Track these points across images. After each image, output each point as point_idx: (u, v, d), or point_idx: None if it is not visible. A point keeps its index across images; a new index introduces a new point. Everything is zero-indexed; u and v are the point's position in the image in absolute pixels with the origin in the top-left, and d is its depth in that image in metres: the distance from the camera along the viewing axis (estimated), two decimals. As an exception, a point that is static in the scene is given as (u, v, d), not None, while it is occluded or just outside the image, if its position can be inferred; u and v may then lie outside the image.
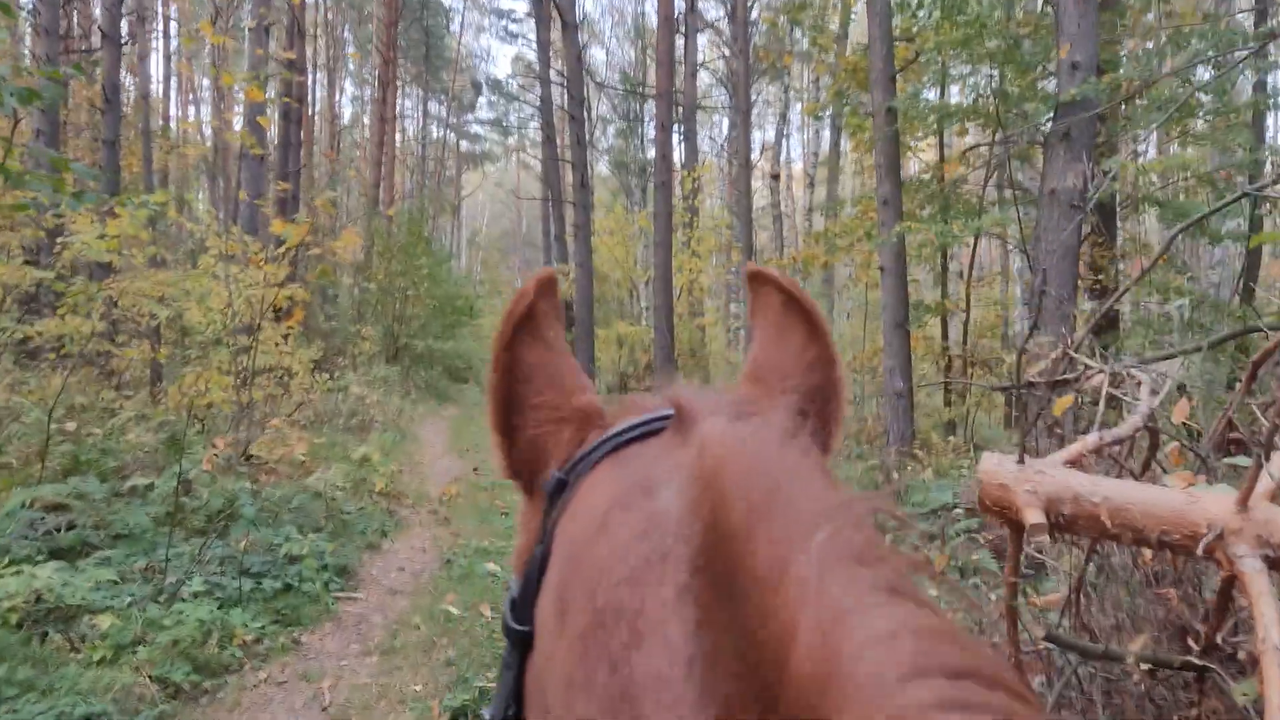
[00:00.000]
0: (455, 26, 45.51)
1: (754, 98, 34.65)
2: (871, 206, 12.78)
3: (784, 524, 0.46)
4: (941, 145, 13.33)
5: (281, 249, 7.63)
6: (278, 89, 17.90)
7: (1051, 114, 10.34)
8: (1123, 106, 10.73)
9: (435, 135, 47.60)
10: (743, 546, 0.46)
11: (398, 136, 42.89)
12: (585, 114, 20.12)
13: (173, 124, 28.88)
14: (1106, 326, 12.10)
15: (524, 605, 0.65)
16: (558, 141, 24.82)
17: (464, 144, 51.11)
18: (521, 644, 0.65)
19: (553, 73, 25.04)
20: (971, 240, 12.22)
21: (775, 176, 24.10)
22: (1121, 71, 10.14)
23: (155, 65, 34.56)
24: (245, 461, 7.93)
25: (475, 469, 10.93)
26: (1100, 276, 11.79)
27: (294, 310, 7.83)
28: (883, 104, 11.05)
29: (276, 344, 12.62)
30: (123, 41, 16.64)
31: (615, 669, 0.49)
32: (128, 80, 21.29)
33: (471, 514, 7.90)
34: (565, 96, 19.59)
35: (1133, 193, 10.33)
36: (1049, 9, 11.05)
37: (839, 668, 0.38)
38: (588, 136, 20.74)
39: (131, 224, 8.43)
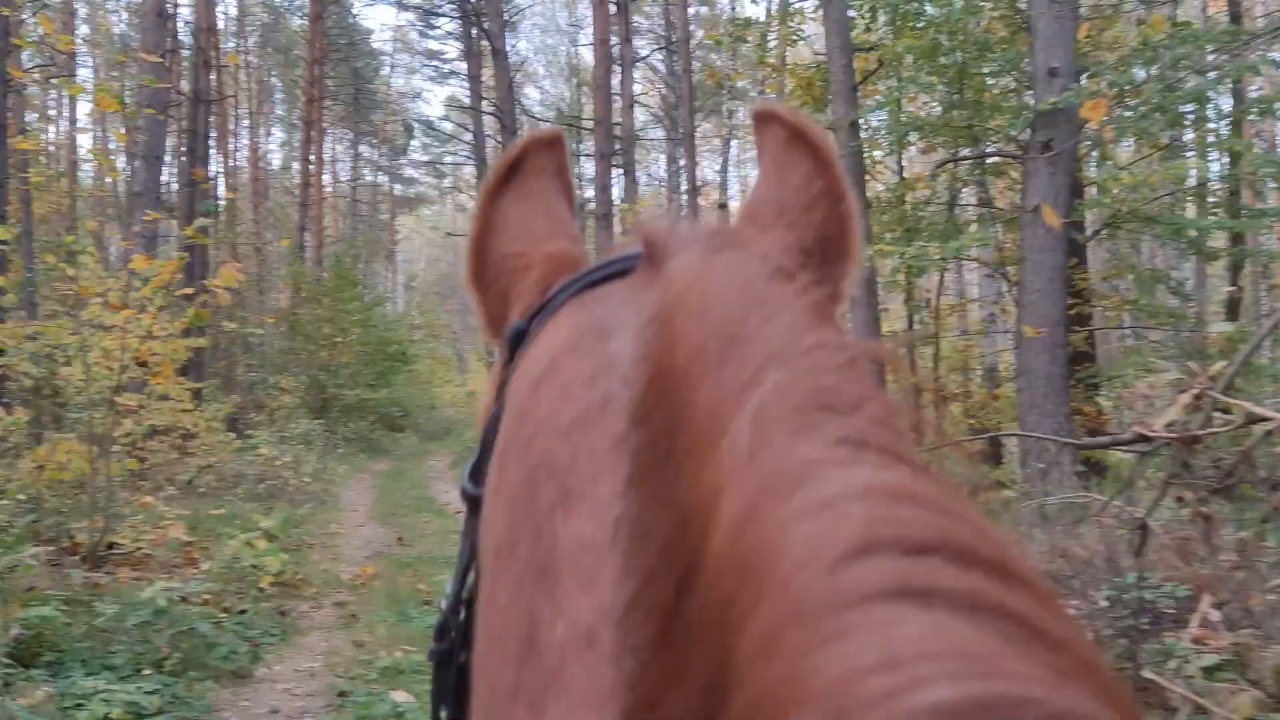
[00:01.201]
0: (385, 69, 44.32)
1: (694, 128, 34.04)
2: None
3: (737, 365, 0.37)
4: (900, 163, 12.42)
5: (144, 288, 6.18)
6: (181, 124, 16.44)
7: (1029, 126, 9.45)
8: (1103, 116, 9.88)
9: (368, 179, 46.29)
10: (686, 393, 0.38)
11: (328, 180, 41.42)
12: (519, 145, 18.97)
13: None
14: (1079, 359, 11.21)
15: (478, 467, 0.60)
16: (492, 177, 23.63)
17: (398, 187, 49.99)
18: (475, 508, 0.59)
19: (486, 107, 23.95)
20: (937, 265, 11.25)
21: (723, 206, 23.17)
22: (1101, 78, 9.29)
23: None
24: (107, 551, 6.44)
25: (399, 539, 9.47)
26: (1077, 301, 10.91)
27: (162, 365, 6.35)
28: (845, 118, 10.06)
29: (171, 401, 11.15)
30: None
31: (540, 533, 0.45)
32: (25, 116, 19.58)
33: (387, 606, 6.45)
34: (498, 127, 18.45)
35: (1118, 208, 9.46)
36: (1017, 8, 10.23)
37: (761, 548, 0.29)
38: (523, 170, 19.58)
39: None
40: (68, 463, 7.22)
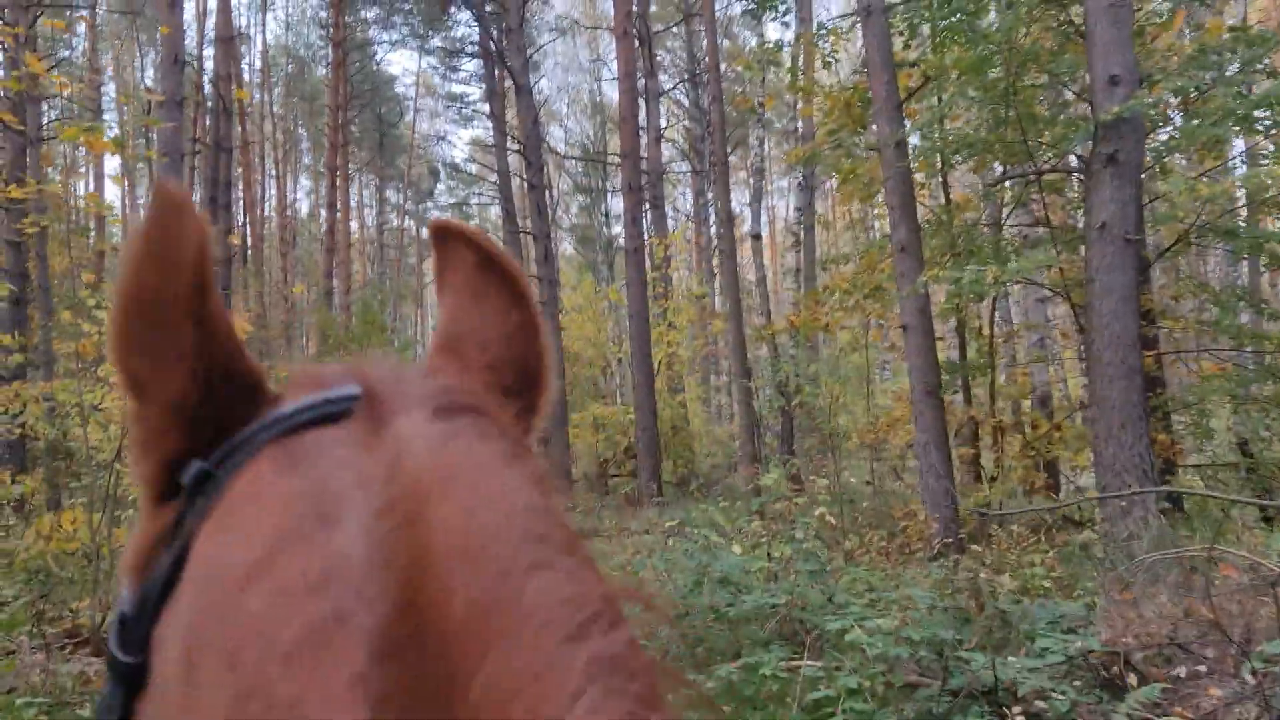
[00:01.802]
0: (409, 114, 44.60)
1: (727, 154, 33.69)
2: (880, 257, 11.15)
3: (494, 595, 0.37)
4: (946, 184, 11.78)
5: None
6: (202, 172, 16.21)
7: (1090, 137, 8.81)
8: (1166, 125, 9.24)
9: (394, 224, 46.54)
10: (439, 623, 0.36)
11: (355, 226, 41.56)
12: (544, 182, 18.56)
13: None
14: (1150, 385, 10.44)
15: (138, 628, 0.47)
16: (518, 215, 23.36)
17: (424, 231, 49.99)
18: (128, 681, 0.47)
19: (510, 145, 23.70)
20: (994, 289, 10.55)
21: (756, 237, 22.63)
22: (1168, 84, 8.64)
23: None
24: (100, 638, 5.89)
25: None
26: (1143, 323, 10.18)
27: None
28: (891, 136, 9.49)
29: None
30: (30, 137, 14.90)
31: None
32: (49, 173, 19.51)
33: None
34: (523, 164, 18.08)
35: (1194, 222, 8.76)
36: (1069, 20, 9.63)
37: None
38: (550, 209, 19.15)
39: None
40: (74, 532, 6.74)
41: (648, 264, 17.91)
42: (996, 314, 12.83)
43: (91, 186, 34.32)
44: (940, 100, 10.63)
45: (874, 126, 10.54)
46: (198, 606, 0.44)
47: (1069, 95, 10.55)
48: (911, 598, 5.08)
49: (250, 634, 0.39)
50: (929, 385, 9.31)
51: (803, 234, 17.96)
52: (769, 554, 6.54)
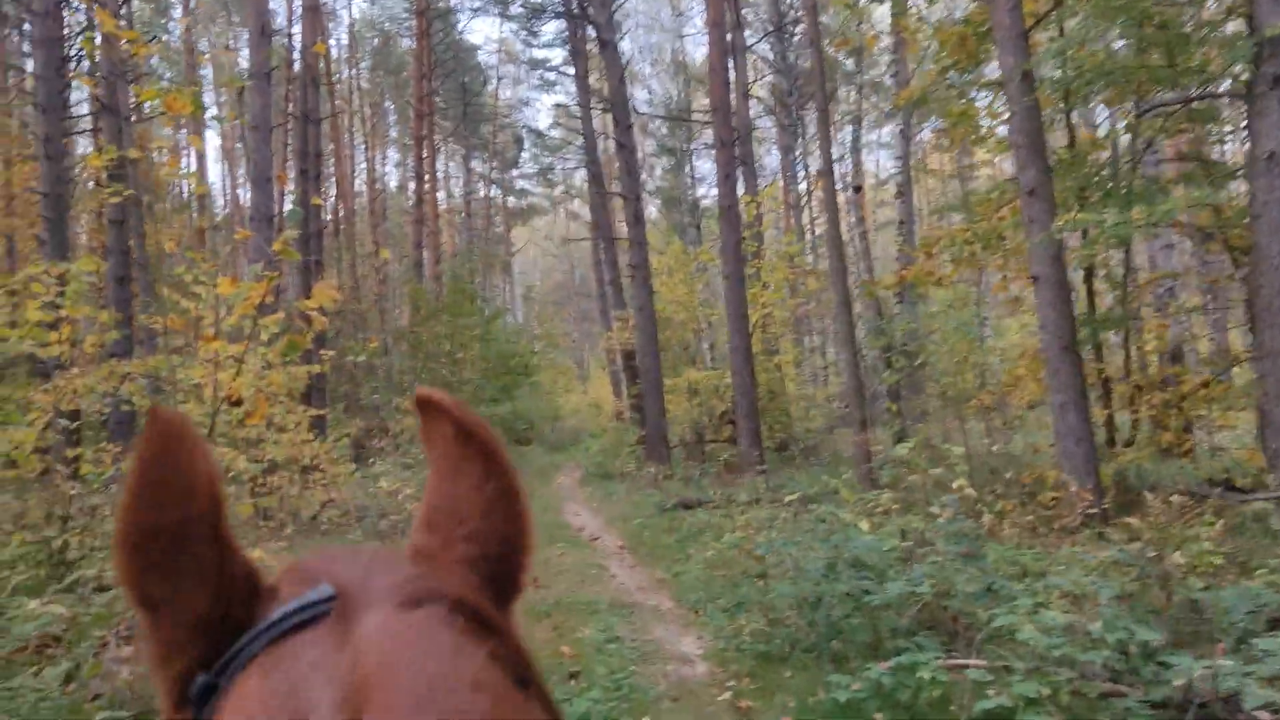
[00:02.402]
0: (492, 83, 44.44)
1: (802, 119, 32.49)
2: (999, 203, 10.25)
3: None
4: (1070, 121, 10.73)
5: (231, 315, 5.32)
6: (293, 145, 16.14)
7: (1252, 59, 7.78)
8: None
9: (481, 193, 46.67)
10: None
11: (443, 197, 41.76)
12: (632, 142, 17.96)
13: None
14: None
15: None
16: (604, 177, 22.90)
17: (510, 199, 50.33)
18: None
19: (596, 106, 23.18)
20: (1143, 232, 9.53)
21: (857, 189, 21.60)
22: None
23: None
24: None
25: (535, 579, 8.54)
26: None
27: (256, 403, 5.49)
28: (1016, 68, 8.59)
29: (289, 432, 10.61)
30: (123, 115, 15.03)
31: None
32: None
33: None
34: (611, 123, 17.51)
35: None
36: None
37: None
38: (638, 168, 18.56)
39: (70, 302, 6.44)
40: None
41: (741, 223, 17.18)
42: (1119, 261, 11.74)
43: (193, 168, 35.20)
44: (1069, 25, 9.62)
45: (994, 63, 9.62)
46: None
47: (1212, 9, 9.41)
48: (1081, 584, 4.43)
49: None
50: (1065, 341, 8.47)
51: (902, 185, 16.91)
52: (902, 532, 5.93)
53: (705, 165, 37.94)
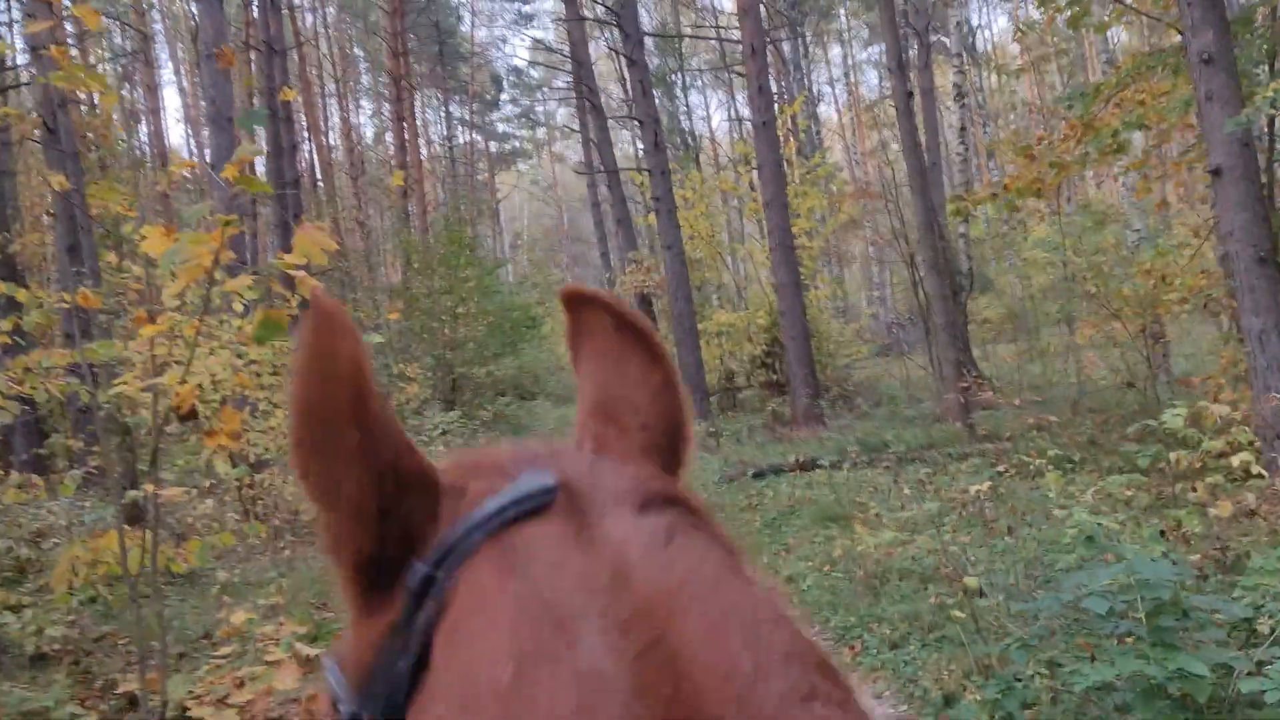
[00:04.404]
0: (465, 23, 41.81)
1: (803, 37, 30.21)
2: (1149, 79, 8.31)
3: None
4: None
5: (172, 284, 3.42)
6: (259, 89, 14.02)
7: None
8: None
9: (461, 140, 44.30)
10: None
11: (423, 147, 39.32)
12: (644, 58, 15.81)
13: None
14: None
15: None
16: (603, 106, 20.71)
17: (492, 144, 48.06)
18: None
19: (593, 22, 20.91)
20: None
21: (909, 95, 19.45)
22: None
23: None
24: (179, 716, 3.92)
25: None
26: None
27: (222, 417, 3.65)
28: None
29: (277, 419, 8.89)
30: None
31: None
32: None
33: None
34: (620, 38, 15.38)
35: None
36: None
37: None
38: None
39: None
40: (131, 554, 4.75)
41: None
42: None
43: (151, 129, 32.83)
44: None
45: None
46: (457, 713, 0.43)
47: None
48: None
49: None
50: (1260, 251, 6.63)
51: (960, 85, 14.85)
52: (1161, 533, 4.14)
53: (694, 98, 35.97)
